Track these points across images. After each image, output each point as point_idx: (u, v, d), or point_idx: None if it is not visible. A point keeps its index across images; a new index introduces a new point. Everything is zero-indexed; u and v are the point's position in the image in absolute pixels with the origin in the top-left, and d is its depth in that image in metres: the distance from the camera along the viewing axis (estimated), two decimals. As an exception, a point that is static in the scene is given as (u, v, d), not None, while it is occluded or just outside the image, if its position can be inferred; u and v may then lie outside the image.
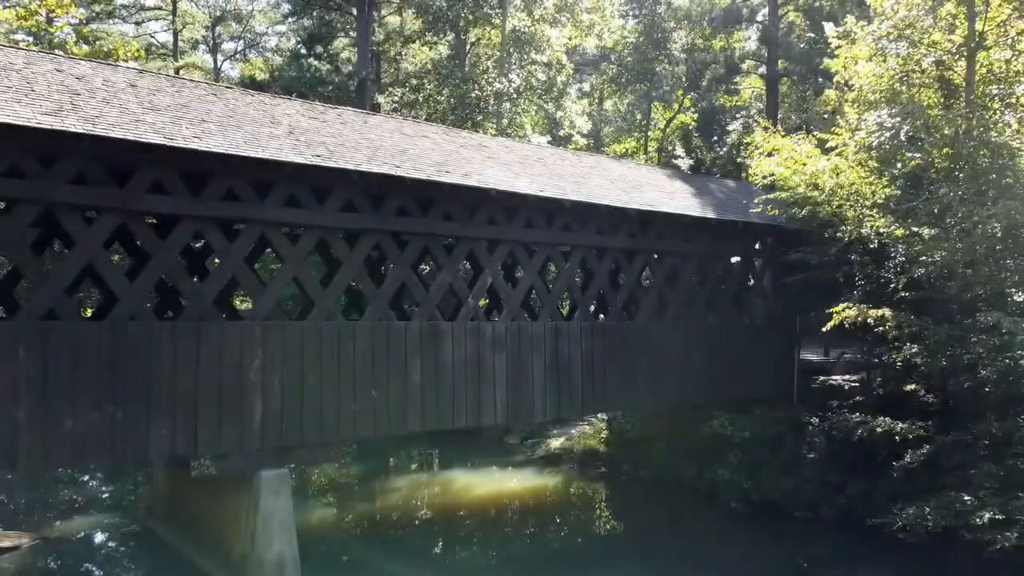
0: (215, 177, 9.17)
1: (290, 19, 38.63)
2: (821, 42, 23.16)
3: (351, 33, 32.92)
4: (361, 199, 10.39)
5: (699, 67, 33.04)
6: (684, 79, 33.66)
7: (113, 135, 8.17)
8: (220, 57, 45.63)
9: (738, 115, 36.99)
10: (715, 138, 39.54)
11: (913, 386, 13.60)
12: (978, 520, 9.35)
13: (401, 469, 19.27)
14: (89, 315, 14.84)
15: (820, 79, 26.22)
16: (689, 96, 34.82)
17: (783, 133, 16.02)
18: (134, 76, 10.41)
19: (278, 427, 9.46)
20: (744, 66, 33.22)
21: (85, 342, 8.28)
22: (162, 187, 8.87)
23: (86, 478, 17.01)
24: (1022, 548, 8.90)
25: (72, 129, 7.92)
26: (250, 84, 33.68)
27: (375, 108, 26.92)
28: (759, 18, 31.81)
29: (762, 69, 31.68)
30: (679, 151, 37.55)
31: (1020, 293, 10.31)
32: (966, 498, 9.82)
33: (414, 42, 27.79)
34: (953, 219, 11.27)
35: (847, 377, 15.82)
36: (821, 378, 16.22)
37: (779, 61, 29.29)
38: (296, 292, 16.68)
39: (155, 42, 43.34)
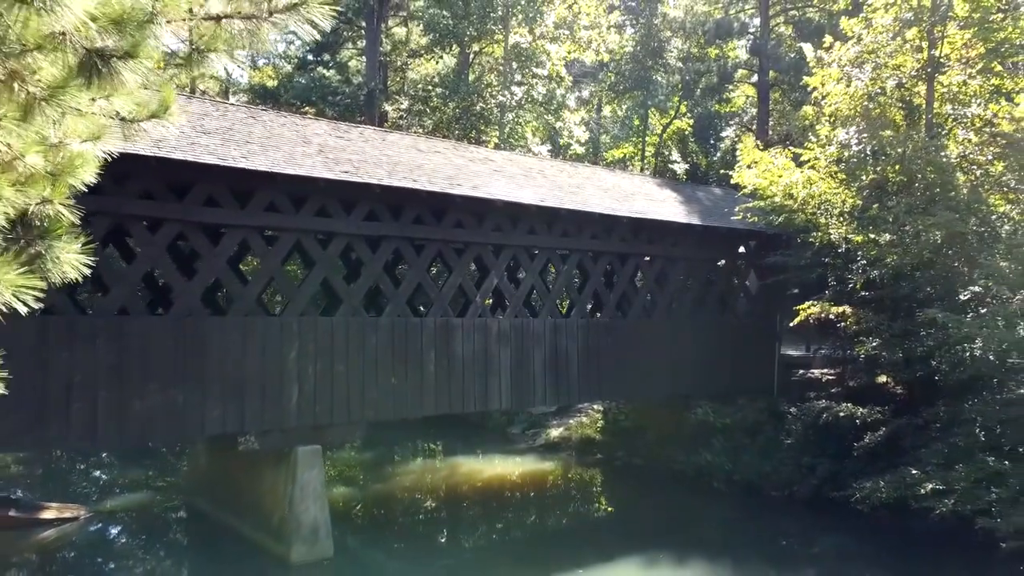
0: (259, 191, 10.55)
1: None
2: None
3: (359, 43, 34.29)
4: (382, 209, 11.76)
5: (694, 76, 34.39)
6: (680, 86, 35.02)
7: (176, 157, 9.54)
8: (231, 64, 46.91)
9: (732, 121, 38.39)
10: (711, 142, 40.94)
11: (884, 378, 14.97)
12: (922, 490, 10.72)
13: (410, 457, 20.62)
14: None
15: (807, 90, 27.51)
16: (685, 103, 36.16)
17: (762, 147, 17.34)
18: (183, 101, 11.78)
19: (312, 409, 10.84)
20: (737, 75, 34.58)
21: (151, 335, 9.65)
22: (214, 200, 10.25)
23: (97, 473, 18.28)
24: (957, 513, 10.28)
25: (143, 152, 9.29)
26: (261, 91, 35.00)
27: (382, 116, 28.29)
28: (751, 29, 33.16)
29: (754, 78, 33.05)
30: (675, 156, 38.87)
31: (966, 292, 11.65)
32: (914, 472, 11.19)
33: (421, 56, 29.16)
34: (909, 227, 12.63)
35: (825, 371, 17.17)
36: (800, 372, 17.55)
37: (770, 71, 30.63)
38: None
39: (167, 50, 44.57)
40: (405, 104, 29.18)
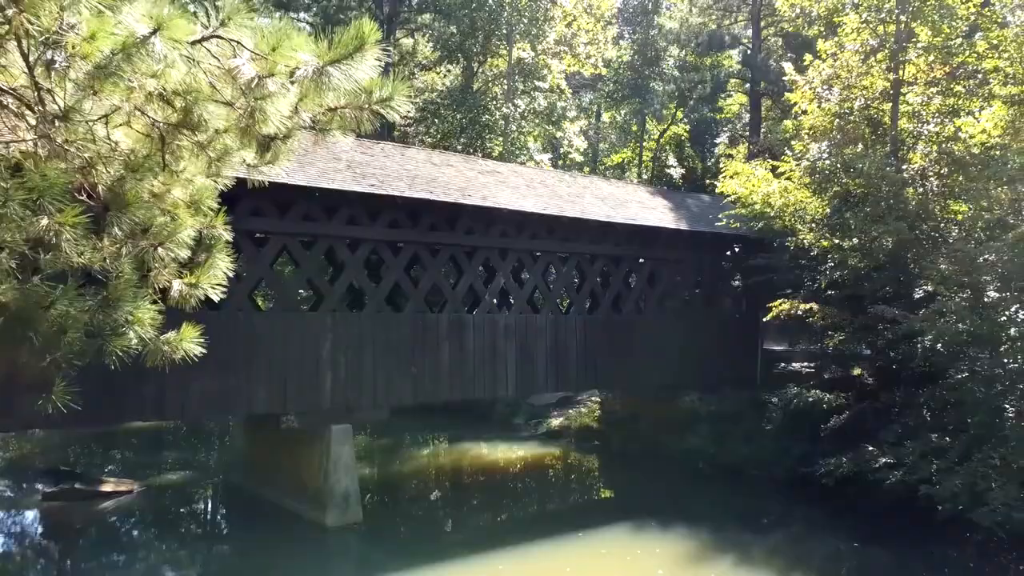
0: (297, 203, 12.10)
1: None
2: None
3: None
4: (403, 217, 13.31)
5: (690, 85, 35.92)
6: (676, 94, 36.55)
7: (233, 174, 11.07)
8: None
9: (726, 127, 39.93)
10: (707, 148, 42.49)
11: (859, 370, 16.49)
12: (875, 464, 12.27)
13: (420, 444, 22.14)
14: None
15: (791, 104, 29.04)
16: (681, 110, 37.69)
17: (754, 153, 18.88)
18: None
19: (343, 393, 12.40)
20: (730, 84, 36.14)
21: (208, 327, 11.15)
22: (260, 211, 11.79)
23: (110, 468, 19.72)
24: (904, 482, 11.80)
25: (202, 171, 10.84)
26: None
27: (391, 126, 29.82)
28: (743, 40, 34.70)
29: (747, 86, 34.60)
30: (672, 161, 40.36)
31: (919, 291, 13.19)
32: (870, 449, 12.73)
33: (429, 70, 30.73)
34: (875, 231, 14.18)
35: (805, 364, 18.69)
36: (782, 365, 19.09)
37: (761, 82, 32.18)
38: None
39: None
40: (413, 113, 30.73)
